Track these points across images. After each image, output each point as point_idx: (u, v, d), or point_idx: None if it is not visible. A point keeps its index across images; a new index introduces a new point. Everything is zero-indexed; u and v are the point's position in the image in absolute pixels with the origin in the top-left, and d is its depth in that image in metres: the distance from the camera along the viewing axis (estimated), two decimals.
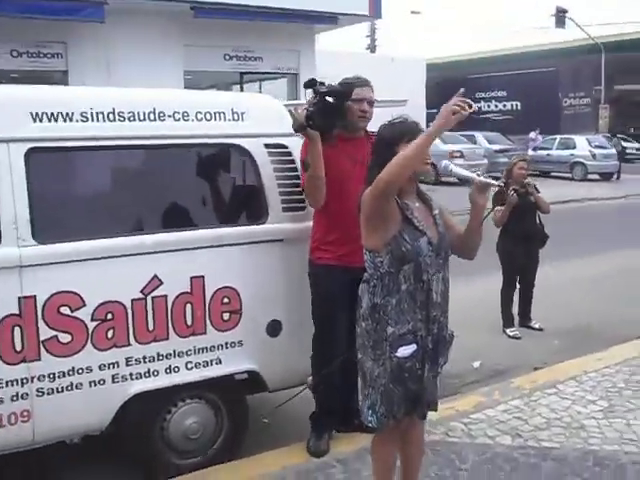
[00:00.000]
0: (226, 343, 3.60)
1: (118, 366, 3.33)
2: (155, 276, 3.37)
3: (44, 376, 3.17)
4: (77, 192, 3.44)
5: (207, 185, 3.74)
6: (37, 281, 3.11)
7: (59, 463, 3.66)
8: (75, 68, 12.41)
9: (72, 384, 3.23)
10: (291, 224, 3.72)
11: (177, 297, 3.43)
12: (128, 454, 3.62)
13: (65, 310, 3.18)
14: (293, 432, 3.96)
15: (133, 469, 3.63)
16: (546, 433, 3.89)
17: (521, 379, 4.76)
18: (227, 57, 14.64)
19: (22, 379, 3.13)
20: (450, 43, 74.41)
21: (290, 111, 3.40)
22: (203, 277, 3.50)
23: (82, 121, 3.26)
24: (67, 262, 3.17)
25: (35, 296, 3.11)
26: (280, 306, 3.74)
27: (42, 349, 3.15)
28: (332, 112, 3.36)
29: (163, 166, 3.59)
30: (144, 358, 3.39)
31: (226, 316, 3.58)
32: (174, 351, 3.45)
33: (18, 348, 3.10)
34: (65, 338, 3.19)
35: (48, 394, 3.18)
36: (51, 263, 3.14)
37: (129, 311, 3.32)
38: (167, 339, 3.43)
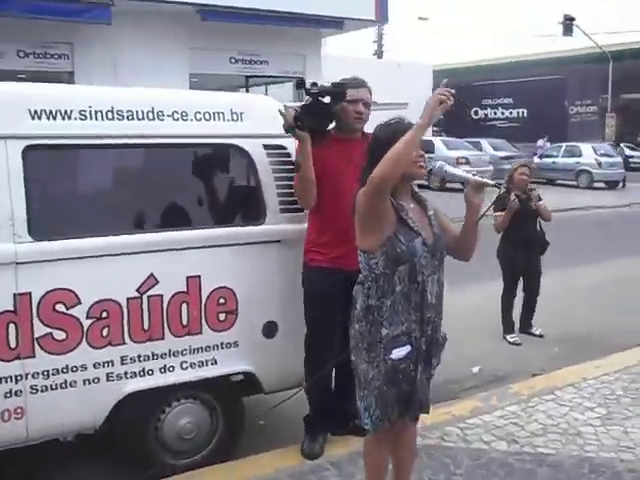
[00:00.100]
0: (222, 343, 3.59)
1: (113, 365, 3.32)
2: (151, 275, 3.36)
3: (38, 373, 3.16)
4: (74, 190, 3.44)
5: (205, 185, 3.73)
6: (32, 278, 3.11)
7: (55, 460, 3.66)
8: (81, 69, 12.46)
9: (66, 382, 3.22)
10: (289, 225, 3.71)
11: (173, 296, 3.43)
12: (122, 453, 3.62)
13: (60, 307, 3.18)
14: (289, 434, 3.94)
15: (127, 468, 3.62)
16: (542, 439, 3.87)
17: (519, 385, 4.74)
18: (233, 60, 14.69)
19: (16, 376, 3.12)
20: (457, 50, 74.43)
21: (280, 111, 3.38)
22: (199, 277, 3.49)
23: (81, 119, 3.26)
24: (63, 259, 3.17)
25: (30, 293, 3.11)
26: (276, 307, 3.73)
27: (37, 346, 3.14)
28: (322, 113, 3.35)
29: (161, 165, 3.59)
30: (139, 357, 3.38)
31: (222, 316, 3.58)
32: (169, 350, 3.45)
33: (12, 345, 3.10)
34: (60, 335, 3.19)
35: (42, 391, 3.18)
36: (47, 260, 3.14)
37: (124, 310, 3.31)
38: (162, 338, 3.42)
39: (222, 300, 3.56)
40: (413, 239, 2.69)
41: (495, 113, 33.73)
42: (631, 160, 28.67)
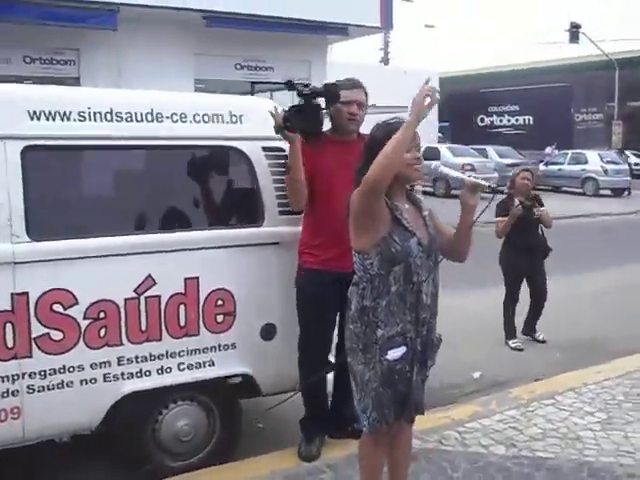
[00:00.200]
0: (219, 345, 3.59)
1: (110, 365, 3.33)
2: (149, 276, 3.37)
3: (35, 373, 3.17)
4: (73, 191, 3.44)
5: (204, 187, 3.74)
6: (30, 278, 3.12)
7: (51, 461, 3.66)
8: (87, 75, 12.51)
9: (63, 382, 3.23)
10: (287, 227, 3.71)
11: (171, 298, 3.43)
12: (120, 454, 3.61)
13: (57, 308, 3.18)
14: (287, 437, 3.94)
15: (124, 468, 3.61)
16: (541, 444, 3.85)
17: (519, 389, 4.72)
18: (238, 67, 14.72)
19: (13, 376, 3.13)
20: (464, 57, 74.49)
21: (270, 112, 3.38)
22: (197, 278, 3.49)
23: (79, 120, 3.27)
24: (61, 260, 3.18)
25: (28, 293, 3.12)
26: (275, 310, 3.73)
27: (34, 346, 3.15)
28: (311, 114, 3.35)
29: (160, 167, 3.61)
30: (136, 358, 3.38)
31: (220, 318, 3.58)
32: (166, 352, 3.45)
33: (10, 344, 3.10)
34: (57, 336, 3.19)
35: (39, 391, 3.18)
36: (44, 260, 3.15)
37: (122, 310, 3.32)
38: (160, 339, 3.42)
39: (220, 302, 3.57)
40: (408, 239, 2.69)
41: (501, 120, 33.69)
42: (637, 167, 28.63)
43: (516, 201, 6.09)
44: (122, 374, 3.36)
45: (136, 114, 3.40)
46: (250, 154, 3.65)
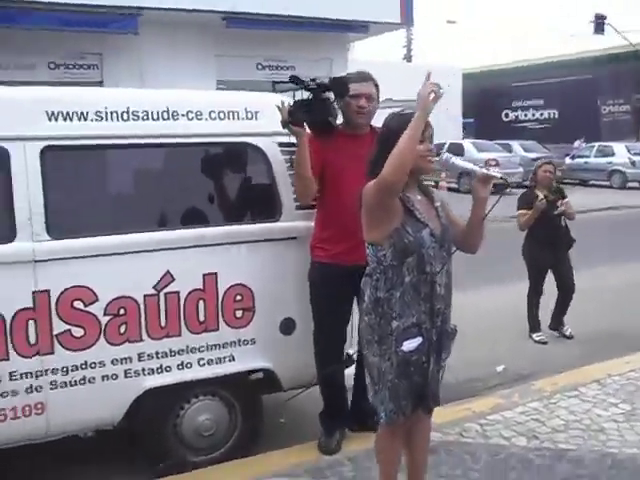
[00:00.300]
0: (239, 340, 3.62)
1: (131, 361, 3.37)
2: (168, 272, 3.41)
3: (57, 369, 3.23)
4: (91, 189, 3.49)
5: (220, 183, 3.77)
6: (51, 276, 3.18)
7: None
8: (110, 78, 12.63)
9: (85, 378, 3.28)
10: (304, 222, 3.73)
11: (189, 293, 3.47)
12: (142, 450, 3.66)
13: (78, 304, 3.24)
14: (309, 431, 3.95)
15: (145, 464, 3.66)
16: (563, 435, 3.82)
17: (542, 382, 4.68)
18: (259, 67, 14.76)
19: (36, 372, 3.19)
20: (486, 52, 73.94)
21: (278, 107, 3.39)
22: (216, 274, 3.53)
23: (97, 120, 3.32)
24: (80, 257, 3.24)
25: (49, 290, 3.18)
26: (294, 304, 3.74)
27: (56, 343, 3.21)
28: (316, 108, 3.35)
29: (177, 165, 3.65)
30: (156, 354, 3.43)
31: (239, 313, 3.61)
32: (186, 347, 3.49)
33: (32, 341, 3.17)
34: (78, 332, 3.25)
35: (61, 387, 3.24)
36: (65, 258, 3.21)
37: (141, 307, 3.36)
38: (179, 335, 3.46)
39: (239, 297, 3.59)
40: (420, 230, 2.69)
41: (526, 115, 33.40)
42: None
43: (539, 194, 6.04)
44: (143, 370, 3.40)
45: (152, 113, 3.44)
46: (266, 150, 3.67)
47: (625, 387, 4.51)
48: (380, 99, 3.72)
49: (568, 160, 23.89)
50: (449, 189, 18.07)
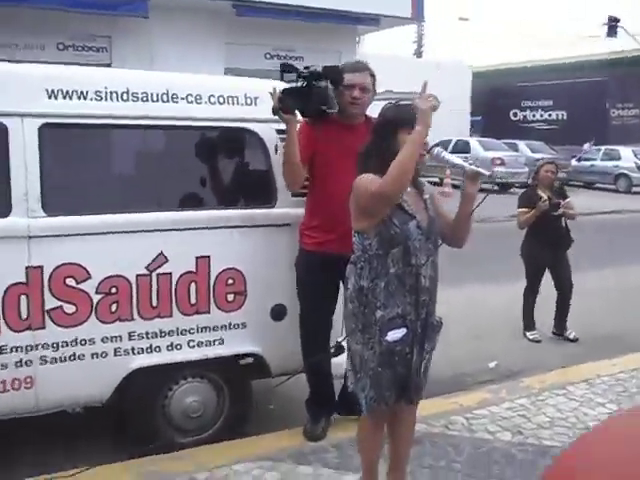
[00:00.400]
0: (229, 324, 3.65)
1: (121, 340, 3.40)
2: (161, 253, 3.44)
3: (48, 345, 3.26)
4: (88, 168, 3.50)
5: (217, 168, 3.80)
6: (44, 252, 3.20)
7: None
8: (118, 62, 12.65)
9: (75, 354, 3.32)
10: (299, 209, 3.74)
11: (182, 275, 3.49)
12: (131, 429, 3.68)
13: (71, 282, 3.26)
14: (299, 417, 3.96)
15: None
16: (548, 432, 3.85)
17: (531, 379, 4.70)
18: (268, 56, 14.76)
19: (27, 346, 3.22)
20: (497, 51, 73.46)
21: (270, 93, 3.40)
22: (209, 257, 3.55)
23: (96, 100, 3.34)
24: (75, 235, 3.27)
25: (42, 266, 3.20)
26: (285, 290, 3.76)
27: (47, 318, 3.24)
28: (304, 95, 3.36)
29: (174, 147, 3.67)
30: (147, 333, 3.45)
31: (230, 297, 3.63)
32: (177, 328, 3.52)
33: (24, 316, 3.20)
34: (70, 309, 3.28)
35: (51, 363, 3.27)
36: (59, 235, 3.23)
37: (134, 286, 3.39)
38: (170, 316, 3.49)
39: (231, 281, 3.62)
40: (407, 222, 2.71)
41: (534, 115, 33.30)
42: None
43: (542, 194, 6.04)
44: (132, 349, 3.43)
45: (152, 94, 3.45)
46: (264, 136, 3.69)
47: (613, 388, 4.53)
48: (379, 90, 3.73)
49: (574, 162, 23.82)
50: (454, 186, 18.03)
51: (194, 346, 3.57)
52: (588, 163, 23.90)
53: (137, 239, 3.39)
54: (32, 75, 3.30)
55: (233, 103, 3.66)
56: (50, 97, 3.25)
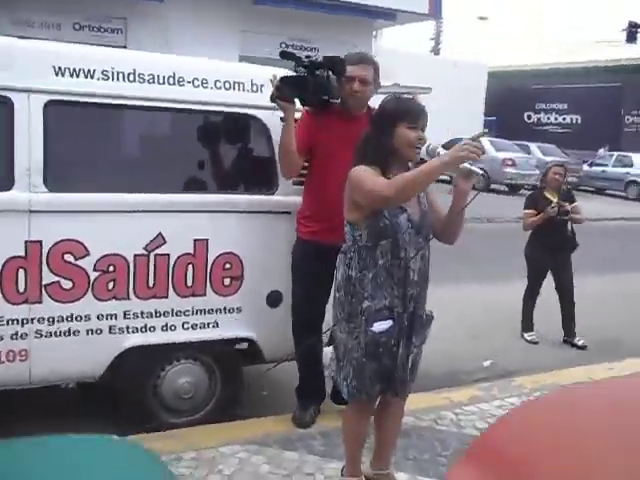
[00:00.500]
0: (225, 308, 3.68)
1: (116, 318, 3.44)
2: (159, 234, 3.47)
3: (44, 319, 3.30)
4: (92, 147, 3.53)
5: (220, 152, 3.83)
6: (44, 227, 3.24)
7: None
8: (133, 44, 12.68)
9: (70, 330, 3.35)
10: (299, 197, 3.76)
11: (179, 257, 3.52)
12: (122, 408, 3.72)
13: (69, 257, 3.30)
14: (291, 405, 3.99)
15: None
16: None
17: (523, 379, 4.72)
18: (283, 45, 14.71)
19: (22, 319, 3.26)
20: (514, 52, 73.12)
21: (270, 80, 3.41)
22: (207, 241, 3.58)
23: (103, 79, 3.37)
24: (75, 212, 3.30)
25: (41, 241, 3.24)
26: (282, 278, 3.78)
27: (44, 293, 3.28)
28: (309, 85, 3.37)
29: (178, 130, 3.71)
30: (142, 313, 3.49)
31: (227, 281, 3.66)
32: (172, 310, 3.55)
33: (21, 289, 3.23)
34: (67, 284, 3.31)
35: (46, 337, 3.31)
36: (60, 211, 3.27)
37: (131, 266, 3.42)
38: (166, 297, 3.53)
39: (228, 265, 3.65)
40: (398, 215, 2.73)
41: (548, 118, 33.18)
42: None
43: (550, 197, 6.03)
44: (127, 327, 3.47)
45: (158, 76, 3.48)
46: (268, 123, 3.71)
47: None
48: (388, 83, 3.73)
49: (586, 167, 23.72)
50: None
51: (188, 328, 3.60)
52: (600, 169, 23.79)
53: (136, 219, 3.42)
54: (40, 52, 3.33)
55: (239, 89, 3.68)
56: (57, 74, 3.27)
